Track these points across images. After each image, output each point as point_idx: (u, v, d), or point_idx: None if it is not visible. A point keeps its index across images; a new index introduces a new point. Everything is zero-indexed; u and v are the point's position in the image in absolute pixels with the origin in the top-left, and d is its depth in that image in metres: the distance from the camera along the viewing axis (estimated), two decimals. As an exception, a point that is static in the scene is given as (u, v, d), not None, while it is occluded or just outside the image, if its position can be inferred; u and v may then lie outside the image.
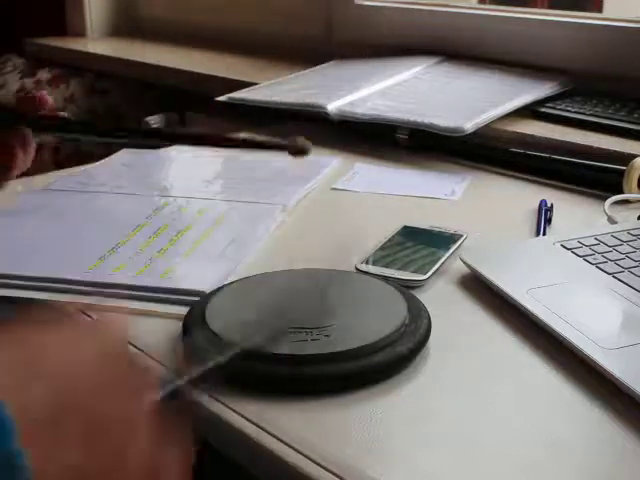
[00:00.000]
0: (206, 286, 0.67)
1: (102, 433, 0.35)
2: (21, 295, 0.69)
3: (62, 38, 1.85)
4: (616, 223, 0.84)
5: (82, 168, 1.04)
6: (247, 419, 0.52)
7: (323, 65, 1.41)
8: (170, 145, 0.63)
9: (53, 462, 0.33)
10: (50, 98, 0.65)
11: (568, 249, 0.74)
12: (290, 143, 0.54)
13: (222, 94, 1.24)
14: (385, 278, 0.68)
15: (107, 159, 1.06)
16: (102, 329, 0.40)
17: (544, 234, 0.81)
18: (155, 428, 0.38)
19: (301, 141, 0.54)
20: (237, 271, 0.71)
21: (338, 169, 1.03)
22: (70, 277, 0.70)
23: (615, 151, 0.98)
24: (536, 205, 0.87)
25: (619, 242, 0.75)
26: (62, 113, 0.65)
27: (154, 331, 0.63)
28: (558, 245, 0.75)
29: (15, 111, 0.63)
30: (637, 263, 0.71)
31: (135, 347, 0.61)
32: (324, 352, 0.55)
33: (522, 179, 0.99)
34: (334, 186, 0.97)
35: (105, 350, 0.38)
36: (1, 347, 0.35)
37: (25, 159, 0.66)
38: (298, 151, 0.55)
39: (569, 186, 0.96)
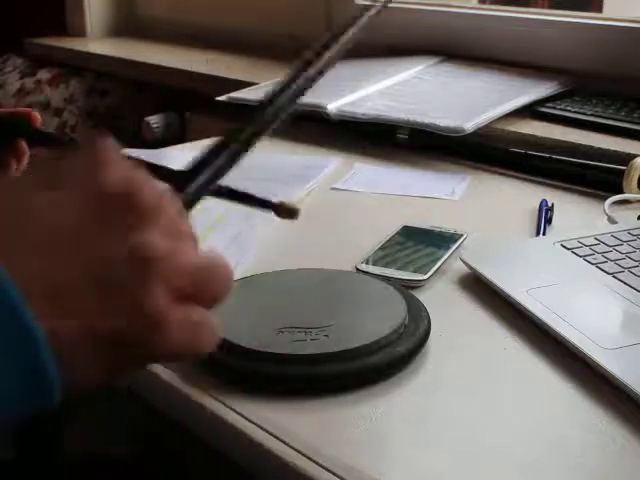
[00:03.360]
0: (206, 286, 0.67)
1: (106, 272, 0.32)
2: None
3: (62, 38, 1.84)
4: (616, 223, 0.84)
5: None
6: (247, 419, 0.52)
7: (323, 65, 1.41)
8: None
9: (64, 302, 0.31)
10: (39, 117, 0.65)
11: (568, 249, 0.74)
12: (279, 204, 0.53)
13: (222, 94, 1.24)
14: (385, 278, 0.68)
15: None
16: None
17: (544, 234, 0.81)
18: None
19: (289, 204, 0.54)
20: (237, 271, 0.71)
21: (338, 169, 1.02)
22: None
23: (615, 151, 0.98)
24: (536, 205, 0.87)
25: (619, 242, 0.75)
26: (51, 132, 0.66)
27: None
28: (558, 245, 0.75)
29: (9, 122, 0.63)
30: (637, 263, 0.71)
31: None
32: (323, 352, 0.55)
33: (522, 179, 0.99)
34: (334, 186, 0.97)
35: (92, 185, 0.34)
36: None
37: (18, 170, 0.66)
38: (287, 212, 0.54)
39: (569, 186, 0.96)
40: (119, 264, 0.32)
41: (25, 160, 0.65)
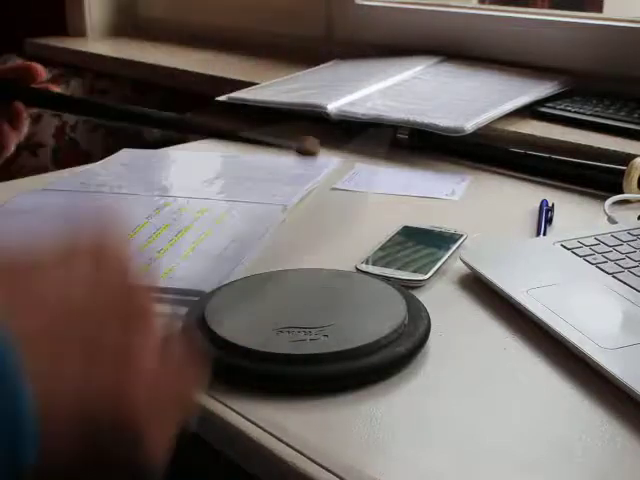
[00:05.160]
0: (206, 286, 0.67)
1: (99, 356, 0.34)
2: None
3: (62, 38, 1.85)
4: (616, 223, 0.84)
5: (82, 168, 1.04)
6: (247, 419, 0.52)
7: (323, 65, 1.41)
8: (181, 134, 0.60)
9: (55, 380, 0.32)
10: (43, 70, 0.63)
11: (568, 249, 0.74)
12: (299, 143, 0.53)
13: (222, 94, 1.24)
14: (385, 278, 0.68)
15: (107, 159, 1.06)
16: (100, 248, 0.37)
17: (544, 234, 0.81)
18: (156, 355, 0.36)
19: (310, 142, 0.54)
20: (237, 271, 0.71)
21: (338, 169, 1.02)
22: (70, 277, 0.69)
23: (615, 151, 0.98)
24: (536, 205, 0.87)
25: (619, 242, 0.75)
26: (54, 87, 0.63)
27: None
28: (558, 245, 0.75)
29: (6, 81, 0.61)
30: (637, 263, 0.71)
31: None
32: (323, 352, 0.55)
33: (522, 179, 0.99)
34: (334, 186, 0.97)
35: (101, 271, 0.36)
36: None
37: (16, 135, 0.64)
38: (306, 152, 0.54)
39: (569, 186, 0.96)
40: (108, 353, 0.34)
41: (22, 126, 0.64)
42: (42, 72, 0.63)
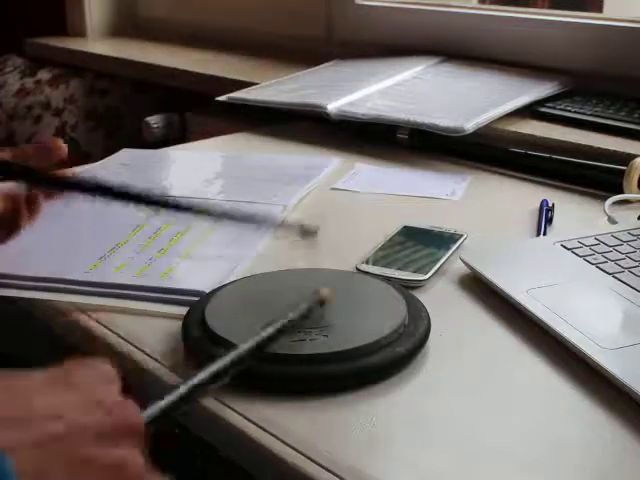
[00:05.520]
0: (206, 286, 0.67)
1: (87, 473, 0.36)
2: (21, 295, 0.69)
3: (62, 38, 1.84)
4: (616, 223, 0.84)
5: (82, 168, 1.03)
6: (247, 419, 0.52)
7: (323, 65, 1.41)
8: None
9: None
10: (64, 145, 0.64)
11: (568, 249, 0.74)
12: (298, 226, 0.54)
13: (222, 94, 1.24)
14: (385, 278, 0.68)
15: (107, 159, 1.06)
16: (88, 374, 0.40)
17: (544, 234, 0.81)
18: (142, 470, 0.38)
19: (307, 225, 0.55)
20: (237, 271, 0.71)
21: (338, 169, 1.02)
22: (70, 277, 0.70)
23: (615, 151, 0.98)
24: (536, 205, 0.87)
25: (619, 242, 0.75)
26: (71, 172, 0.63)
27: (154, 331, 0.63)
28: (558, 245, 0.75)
29: (26, 166, 0.62)
30: (637, 263, 0.71)
31: (136, 347, 0.61)
32: (323, 352, 0.55)
33: (522, 179, 0.99)
34: (334, 186, 0.97)
35: (89, 394, 0.38)
36: None
37: (31, 217, 0.65)
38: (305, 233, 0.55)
39: (569, 186, 0.96)
40: (98, 467, 0.36)
41: (38, 210, 0.64)
42: (64, 151, 0.63)
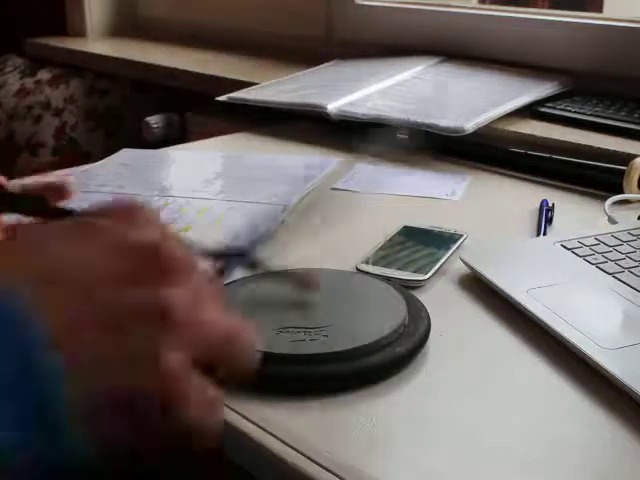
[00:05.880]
0: (206, 286, 0.67)
1: (126, 322, 0.32)
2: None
3: (62, 38, 1.85)
4: (616, 223, 0.84)
5: (82, 168, 1.03)
6: (247, 419, 0.52)
7: (323, 65, 1.41)
8: None
9: (84, 350, 0.31)
10: (71, 185, 0.63)
11: (568, 249, 0.74)
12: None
13: (222, 94, 1.24)
14: (385, 278, 0.68)
15: (107, 159, 1.06)
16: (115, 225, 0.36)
17: (544, 234, 0.81)
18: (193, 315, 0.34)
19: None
20: (236, 271, 0.71)
21: (338, 169, 1.02)
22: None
23: (615, 151, 0.98)
24: (536, 205, 0.87)
25: (619, 242, 0.75)
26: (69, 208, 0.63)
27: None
28: (558, 245, 0.75)
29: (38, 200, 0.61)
30: (637, 263, 0.71)
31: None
32: (323, 352, 0.55)
33: (522, 179, 0.99)
34: (334, 186, 0.97)
35: (119, 241, 0.34)
36: (17, 255, 0.33)
37: None
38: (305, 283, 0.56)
39: (569, 186, 0.96)
40: (139, 315, 0.33)
41: None
42: (70, 189, 0.63)
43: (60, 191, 0.62)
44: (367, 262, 0.72)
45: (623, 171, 0.91)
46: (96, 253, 0.34)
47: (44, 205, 0.58)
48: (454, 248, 0.76)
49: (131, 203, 0.37)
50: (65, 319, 0.32)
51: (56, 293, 0.32)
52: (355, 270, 0.71)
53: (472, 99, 1.15)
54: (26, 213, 0.56)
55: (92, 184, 0.95)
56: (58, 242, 0.34)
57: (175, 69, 1.51)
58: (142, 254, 0.34)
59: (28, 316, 0.31)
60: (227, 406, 0.53)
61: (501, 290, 0.67)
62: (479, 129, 1.04)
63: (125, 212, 0.36)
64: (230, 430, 0.52)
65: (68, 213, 0.54)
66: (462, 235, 0.78)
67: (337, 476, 0.47)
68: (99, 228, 0.35)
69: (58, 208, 0.59)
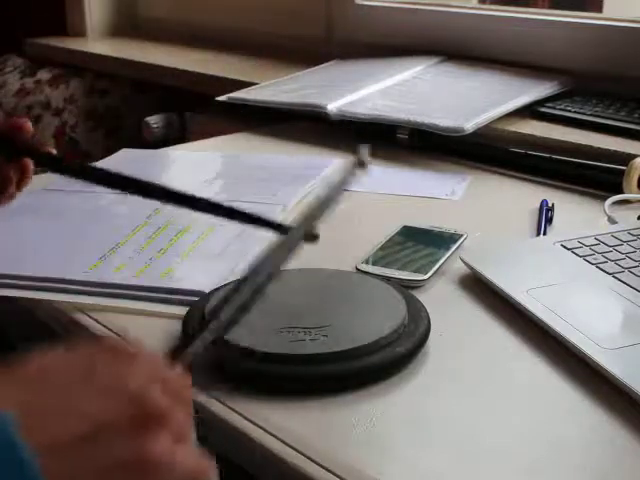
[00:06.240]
0: (206, 286, 0.67)
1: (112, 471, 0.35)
2: (21, 295, 0.69)
3: (62, 38, 1.84)
4: (616, 223, 0.84)
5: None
6: (247, 419, 0.52)
7: (323, 65, 1.41)
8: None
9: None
10: (28, 123, 0.66)
11: (568, 249, 0.74)
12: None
13: (222, 94, 1.24)
14: (385, 278, 0.68)
15: (107, 159, 1.06)
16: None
17: (544, 234, 0.81)
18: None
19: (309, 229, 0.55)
20: (237, 271, 0.71)
21: (338, 169, 1.02)
22: (70, 277, 0.70)
23: (615, 151, 0.98)
24: (536, 205, 0.87)
25: (619, 242, 0.75)
26: (52, 150, 0.66)
27: (154, 331, 0.63)
28: (558, 245, 0.75)
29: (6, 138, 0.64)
30: (637, 263, 0.71)
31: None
32: (323, 352, 0.55)
33: (522, 179, 0.99)
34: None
35: (107, 386, 0.37)
36: None
37: (20, 187, 0.67)
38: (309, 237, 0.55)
39: (569, 186, 0.96)
40: (122, 466, 0.35)
41: (28, 180, 0.66)
42: (30, 128, 0.66)
43: (21, 129, 0.65)
44: (367, 262, 0.72)
45: (623, 171, 0.91)
46: (86, 398, 0.36)
47: (14, 145, 0.60)
48: (454, 248, 0.76)
49: (120, 342, 0.39)
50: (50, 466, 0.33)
51: (43, 436, 0.34)
52: (355, 270, 0.71)
53: (472, 99, 1.15)
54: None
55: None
56: (56, 382, 0.36)
57: (175, 69, 1.51)
58: (127, 402, 0.36)
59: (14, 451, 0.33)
60: (227, 406, 0.54)
61: (501, 290, 0.67)
62: (479, 129, 1.04)
63: (114, 352, 0.38)
64: (230, 430, 0.52)
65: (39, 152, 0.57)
66: (462, 235, 0.78)
67: (337, 476, 0.47)
68: (90, 370, 0.37)
69: (28, 145, 0.62)
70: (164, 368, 0.39)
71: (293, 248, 0.49)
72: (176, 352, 0.42)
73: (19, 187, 0.66)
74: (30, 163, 0.66)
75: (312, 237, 0.54)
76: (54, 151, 0.66)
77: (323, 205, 0.51)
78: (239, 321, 0.45)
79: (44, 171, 0.74)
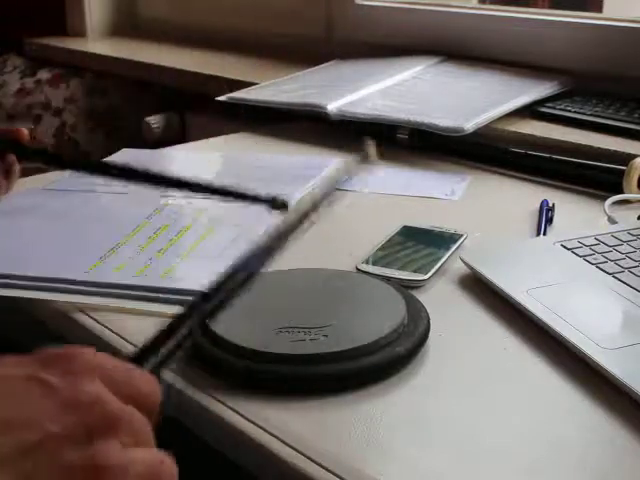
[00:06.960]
0: (206, 286, 0.67)
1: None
2: (21, 295, 0.69)
3: (62, 38, 1.85)
4: (616, 223, 0.84)
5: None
6: (247, 419, 0.52)
7: (323, 65, 1.41)
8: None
9: None
10: (26, 131, 0.67)
11: (568, 249, 0.74)
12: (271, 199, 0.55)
13: (222, 94, 1.24)
14: (385, 278, 0.68)
15: (107, 159, 1.06)
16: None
17: (544, 234, 0.81)
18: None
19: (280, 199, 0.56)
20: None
21: (340, 166, 1.02)
22: (70, 277, 0.70)
23: (615, 151, 0.98)
24: (536, 205, 0.87)
25: (619, 242, 0.75)
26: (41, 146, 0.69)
27: (154, 331, 0.63)
28: (558, 245, 0.75)
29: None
30: (637, 263, 0.71)
31: (136, 347, 0.61)
32: (323, 352, 0.55)
33: (522, 179, 0.99)
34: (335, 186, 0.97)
35: (64, 394, 0.37)
36: None
37: (8, 185, 0.68)
38: (279, 205, 0.56)
39: (569, 186, 0.96)
40: (75, 475, 0.35)
41: (15, 177, 0.67)
42: (26, 134, 0.67)
43: (19, 133, 0.66)
44: (367, 262, 0.72)
45: (623, 171, 0.91)
46: (36, 410, 0.36)
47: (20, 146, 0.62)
48: (454, 248, 0.76)
49: (70, 352, 0.39)
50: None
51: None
52: (355, 270, 0.71)
53: (472, 99, 1.15)
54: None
55: (92, 184, 0.95)
56: (1, 391, 0.36)
57: (175, 69, 1.51)
58: (77, 408, 0.36)
59: None
60: (227, 406, 0.54)
61: (501, 290, 0.67)
62: (479, 129, 1.04)
63: (65, 362, 0.38)
64: (230, 430, 0.52)
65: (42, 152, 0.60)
66: (462, 235, 0.78)
67: (337, 476, 0.47)
68: (39, 378, 0.37)
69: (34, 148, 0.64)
70: (122, 370, 0.40)
71: (287, 234, 0.49)
72: (157, 342, 0.42)
73: (7, 179, 0.67)
74: (12, 157, 0.66)
75: (281, 205, 0.55)
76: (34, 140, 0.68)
77: (321, 194, 0.51)
78: (225, 307, 0.45)
79: (43, 170, 0.75)
